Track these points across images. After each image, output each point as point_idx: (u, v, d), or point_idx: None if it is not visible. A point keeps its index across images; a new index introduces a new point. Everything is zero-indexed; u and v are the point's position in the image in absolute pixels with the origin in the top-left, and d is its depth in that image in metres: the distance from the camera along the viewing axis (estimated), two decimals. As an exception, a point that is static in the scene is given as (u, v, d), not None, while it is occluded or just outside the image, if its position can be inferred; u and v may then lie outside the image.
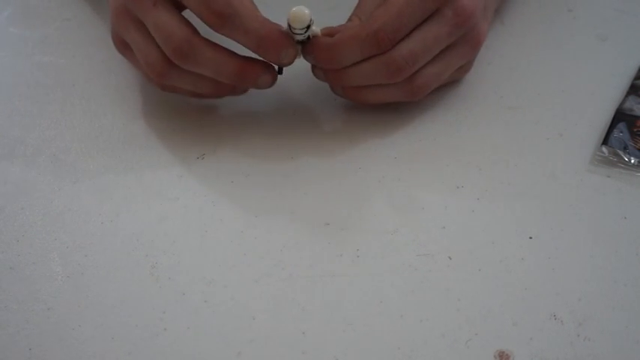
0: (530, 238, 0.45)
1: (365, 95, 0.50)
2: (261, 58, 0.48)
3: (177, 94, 0.52)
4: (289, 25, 0.46)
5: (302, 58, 0.49)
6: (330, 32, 0.48)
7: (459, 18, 0.48)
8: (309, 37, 0.47)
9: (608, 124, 0.51)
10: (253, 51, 0.47)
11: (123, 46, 0.51)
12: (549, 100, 0.54)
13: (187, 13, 0.48)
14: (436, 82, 0.50)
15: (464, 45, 0.50)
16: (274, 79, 0.49)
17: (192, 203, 0.48)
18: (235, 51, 0.48)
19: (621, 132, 0.50)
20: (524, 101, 0.54)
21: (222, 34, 0.47)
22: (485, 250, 0.45)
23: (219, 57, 0.47)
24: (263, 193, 0.49)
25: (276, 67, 0.50)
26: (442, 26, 0.48)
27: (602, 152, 0.49)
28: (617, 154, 0.49)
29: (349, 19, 0.50)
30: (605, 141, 0.50)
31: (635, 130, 0.50)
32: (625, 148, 0.49)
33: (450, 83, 0.54)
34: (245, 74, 0.48)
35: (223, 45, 0.48)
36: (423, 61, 0.48)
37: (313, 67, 0.50)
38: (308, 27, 0.47)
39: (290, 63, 0.48)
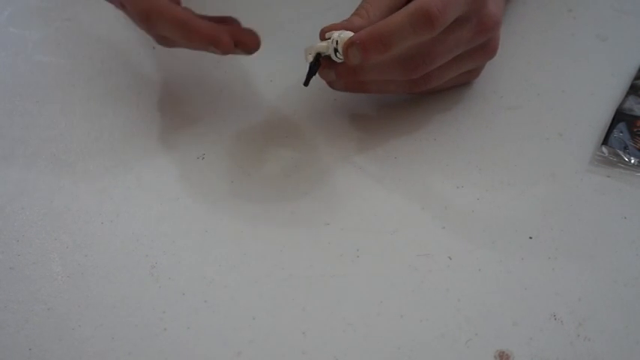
0: (530, 238, 0.45)
1: (368, 87, 0.50)
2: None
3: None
4: (335, 50, 0.46)
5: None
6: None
7: (483, 26, 0.48)
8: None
9: (608, 124, 0.51)
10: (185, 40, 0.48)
11: None
12: (549, 100, 0.54)
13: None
14: (439, 79, 0.50)
15: (479, 51, 0.50)
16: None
17: (192, 203, 0.48)
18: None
19: (621, 132, 0.50)
20: (524, 101, 0.54)
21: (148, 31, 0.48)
22: (485, 250, 0.45)
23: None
24: (263, 193, 0.49)
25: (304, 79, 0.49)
26: (465, 31, 0.48)
27: (602, 152, 0.49)
28: (617, 154, 0.49)
29: (353, 14, 0.49)
30: (605, 141, 0.50)
31: (635, 130, 0.50)
32: (625, 148, 0.49)
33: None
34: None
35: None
36: (439, 62, 0.48)
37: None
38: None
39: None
